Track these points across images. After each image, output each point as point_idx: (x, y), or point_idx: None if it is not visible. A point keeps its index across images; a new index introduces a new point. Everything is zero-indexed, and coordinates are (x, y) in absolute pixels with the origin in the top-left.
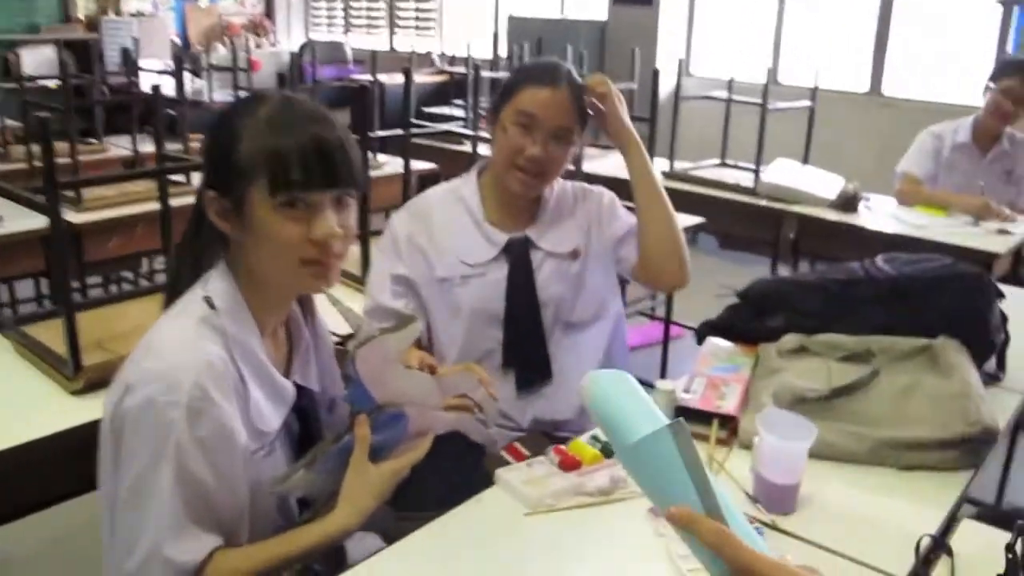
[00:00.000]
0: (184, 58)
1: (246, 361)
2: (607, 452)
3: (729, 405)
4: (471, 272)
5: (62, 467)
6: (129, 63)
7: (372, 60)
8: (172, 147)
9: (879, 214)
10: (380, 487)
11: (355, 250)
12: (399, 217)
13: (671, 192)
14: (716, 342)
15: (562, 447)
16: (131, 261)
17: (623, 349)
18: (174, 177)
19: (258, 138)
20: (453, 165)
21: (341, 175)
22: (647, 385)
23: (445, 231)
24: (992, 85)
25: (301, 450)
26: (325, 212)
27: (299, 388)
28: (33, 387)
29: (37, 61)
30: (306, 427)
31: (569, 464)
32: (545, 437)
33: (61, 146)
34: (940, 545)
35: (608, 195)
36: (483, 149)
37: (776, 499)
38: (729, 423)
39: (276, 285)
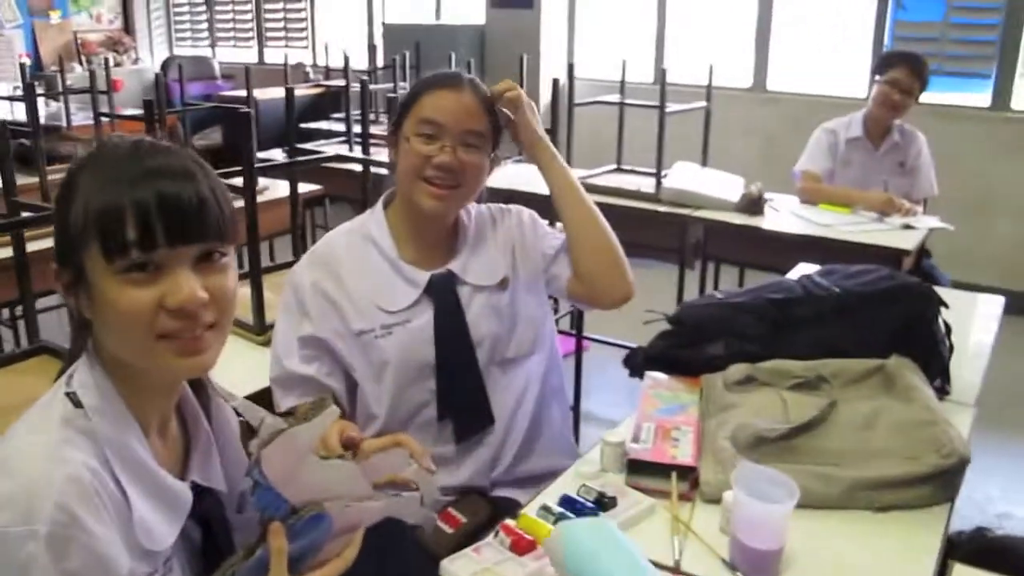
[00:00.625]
0: (39, 80)
1: (125, 467)
2: None
3: (685, 454)
4: (392, 320)
5: None
6: None
7: (246, 76)
8: (27, 180)
9: (784, 214)
10: None
11: (244, 292)
12: (300, 268)
13: None
14: (656, 377)
15: (511, 524)
16: None
17: (559, 373)
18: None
19: (91, 196)
20: (338, 185)
21: (199, 229)
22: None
23: (356, 277)
24: (879, 78)
25: (207, 564)
26: (180, 273)
27: (199, 490)
28: None
29: None
30: (210, 535)
31: (523, 546)
32: (480, 497)
33: None
34: None
35: (527, 212)
36: (378, 171)
37: (758, 566)
38: (688, 474)
39: (141, 371)
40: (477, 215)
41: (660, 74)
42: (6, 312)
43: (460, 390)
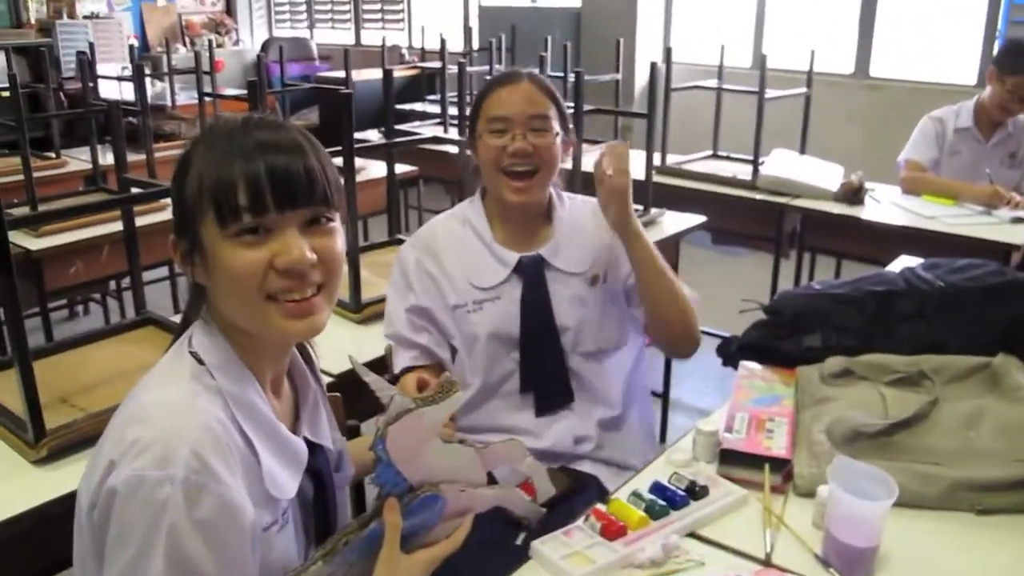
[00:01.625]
0: (146, 61)
1: (249, 420)
2: (654, 512)
3: (779, 446)
4: (483, 296)
5: (21, 553)
6: (85, 69)
7: (345, 57)
8: (135, 158)
9: (885, 205)
10: None
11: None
12: (405, 247)
13: (662, 188)
14: (751, 367)
15: (602, 509)
16: (99, 284)
17: (643, 373)
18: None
19: (205, 169)
20: (432, 167)
21: (306, 194)
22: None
23: (454, 256)
24: (1001, 75)
25: (317, 520)
26: (289, 235)
27: (309, 445)
28: None
29: None
30: (320, 492)
31: (613, 531)
32: (560, 470)
33: (14, 161)
34: None
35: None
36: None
37: (852, 564)
38: (782, 467)
39: (255, 334)
40: (574, 205)
41: (760, 59)
42: (113, 284)
43: (541, 364)
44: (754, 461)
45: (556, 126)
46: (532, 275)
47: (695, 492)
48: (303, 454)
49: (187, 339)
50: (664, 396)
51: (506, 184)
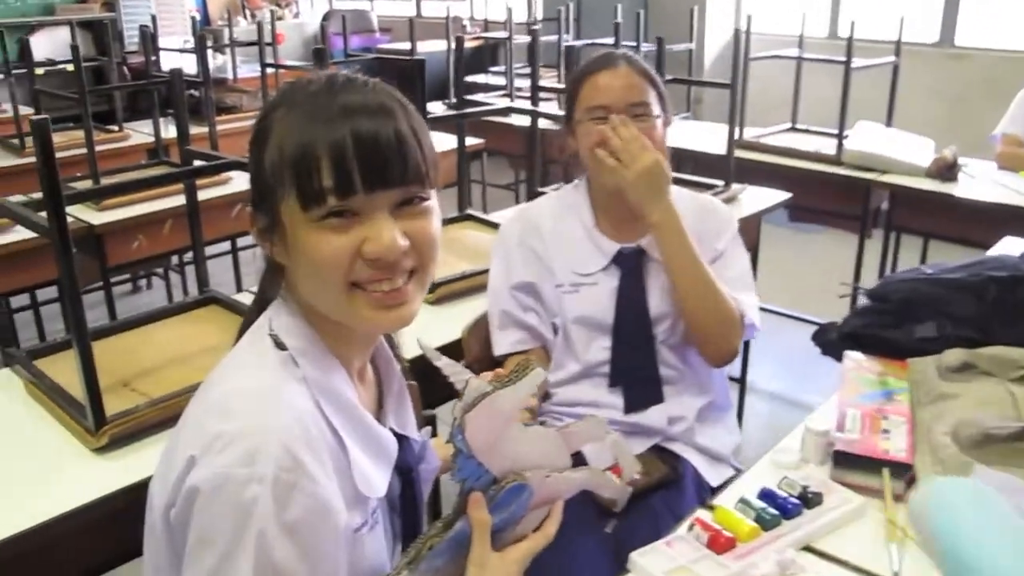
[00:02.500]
0: (207, 34)
1: (337, 411)
2: (765, 523)
3: (898, 449)
4: (581, 280)
5: (81, 545)
6: (147, 42)
7: (410, 28)
8: (197, 131)
9: (981, 182)
10: None
11: None
12: (508, 224)
13: (739, 163)
14: (857, 358)
15: (705, 519)
16: (161, 259)
17: (723, 377)
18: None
19: (285, 137)
20: (497, 140)
21: (398, 172)
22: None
23: (555, 237)
24: None
25: (404, 518)
26: (379, 220)
27: (396, 437)
28: (46, 443)
29: (55, 44)
30: (407, 487)
31: (722, 543)
32: (655, 456)
33: (77, 135)
34: None
35: (732, 229)
36: (544, 124)
37: None
38: (902, 472)
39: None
40: (680, 198)
41: (849, 27)
42: (175, 259)
43: (632, 358)
44: (871, 465)
45: (657, 109)
46: (630, 266)
47: (808, 500)
48: (393, 447)
49: (267, 320)
50: (741, 380)
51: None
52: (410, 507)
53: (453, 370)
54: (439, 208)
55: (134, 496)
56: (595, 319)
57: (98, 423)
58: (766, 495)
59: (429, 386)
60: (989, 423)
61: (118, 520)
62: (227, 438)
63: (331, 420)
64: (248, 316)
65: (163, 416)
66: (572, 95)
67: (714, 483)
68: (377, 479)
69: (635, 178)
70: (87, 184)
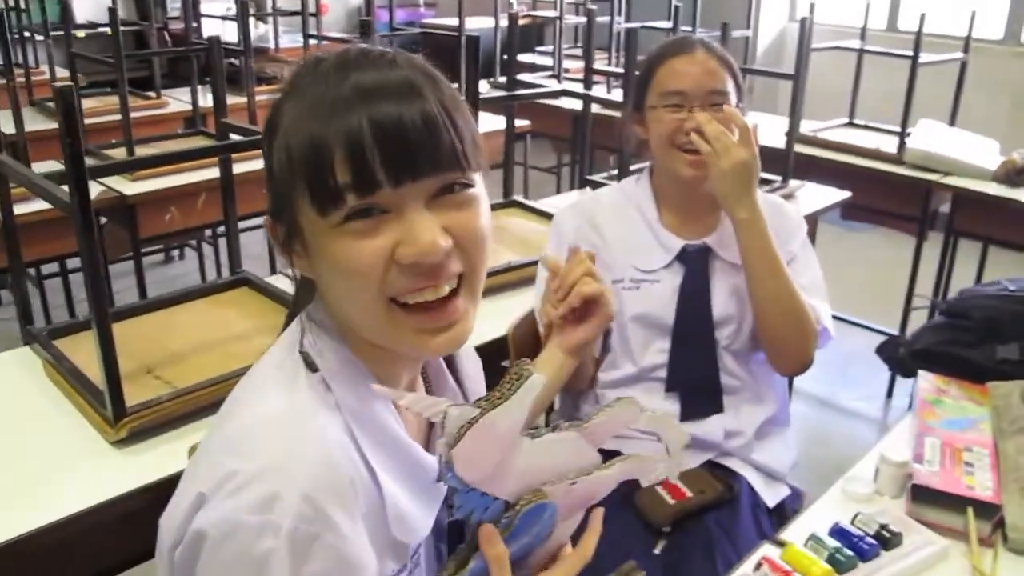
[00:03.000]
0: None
1: (374, 443)
2: (839, 565)
3: (984, 486)
4: (643, 277)
5: (92, 546)
6: (188, 7)
7: (460, 2)
8: (235, 101)
9: None
10: None
11: None
12: (564, 213)
13: (797, 158)
14: (932, 380)
15: (773, 557)
16: (194, 232)
17: (784, 389)
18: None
19: (292, 131)
20: (542, 122)
21: (429, 159)
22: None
23: (614, 230)
24: None
25: (453, 550)
26: (413, 216)
27: None
28: (63, 432)
29: (97, 5)
30: (459, 521)
31: None
32: (710, 472)
33: (113, 100)
34: None
35: (804, 230)
36: (594, 108)
37: None
38: (990, 512)
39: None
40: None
41: (915, 19)
42: (209, 231)
43: (692, 363)
44: (954, 502)
45: (734, 98)
46: (695, 265)
47: (886, 540)
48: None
49: (297, 334)
50: (788, 386)
51: (681, 158)
52: (459, 541)
53: (423, 404)
54: (486, 194)
55: (152, 496)
56: (655, 318)
57: (117, 415)
58: (840, 533)
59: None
60: None
61: (134, 520)
62: (242, 478)
63: (367, 455)
64: (282, 327)
65: (186, 409)
66: (645, 79)
67: (771, 503)
68: (418, 520)
69: (727, 170)
70: (121, 151)
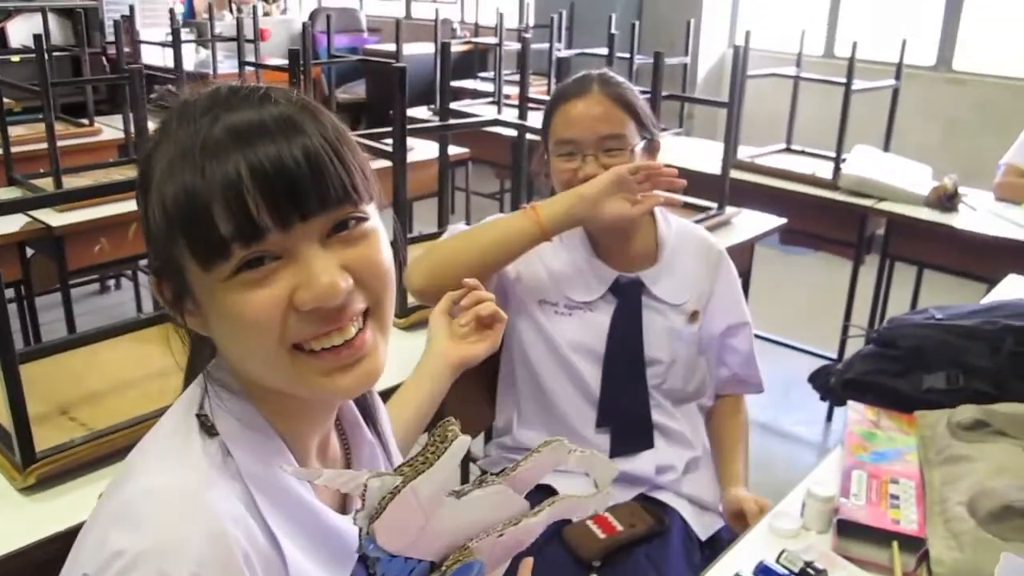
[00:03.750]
0: (190, 27)
1: (278, 510)
2: None
3: (909, 520)
4: (577, 306)
5: None
6: (119, 33)
7: (396, 29)
8: None
9: (983, 214)
10: None
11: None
12: None
13: (733, 184)
14: (861, 410)
15: None
16: (126, 263)
17: None
18: None
19: (165, 184)
20: (484, 149)
21: (317, 197)
22: None
23: (552, 259)
24: None
25: None
26: (308, 258)
27: None
28: None
29: (33, 30)
30: None
31: None
32: (639, 506)
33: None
34: None
35: (732, 275)
36: (533, 136)
37: None
38: (915, 546)
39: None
40: (681, 229)
41: (847, 46)
42: (144, 261)
43: (623, 398)
44: (879, 536)
45: (634, 139)
46: (627, 298)
47: None
48: (353, 543)
49: (196, 397)
50: None
51: None
52: None
53: (341, 481)
54: (383, 226)
55: (62, 545)
56: (589, 346)
57: (26, 460)
58: (764, 571)
59: None
60: (1009, 495)
61: (44, 572)
62: (127, 559)
63: (270, 524)
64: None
65: (100, 452)
66: (545, 122)
67: (703, 535)
68: None
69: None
70: (48, 181)
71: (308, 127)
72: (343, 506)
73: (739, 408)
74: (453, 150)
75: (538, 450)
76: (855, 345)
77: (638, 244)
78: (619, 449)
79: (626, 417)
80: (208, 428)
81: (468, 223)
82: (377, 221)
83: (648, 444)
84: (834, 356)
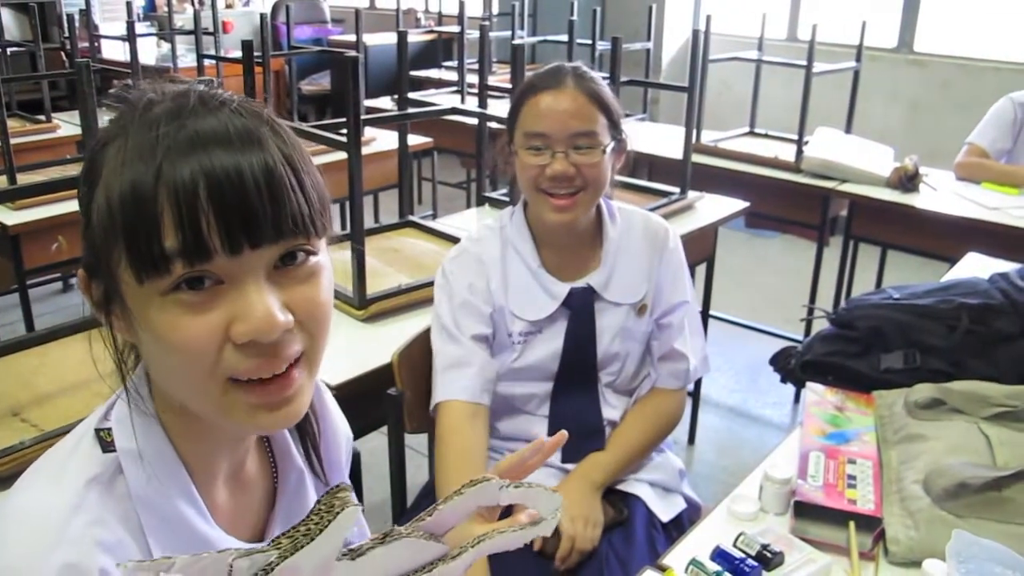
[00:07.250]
0: (151, 21)
1: (167, 539)
2: None
3: (866, 499)
4: (529, 329)
5: None
6: (72, 28)
7: (356, 19)
8: None
9: (944, 194)
10: None
11: (344, 256)
12: (453, 269)
13: (696, 168)
14: (820, 391)
15: None
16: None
17: None
18: None
19: (114, 180)
20: (448, 138)
21: (273, 224)
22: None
23: (501, 282)
24: None
25: None
26: (249, 289)
27: None
28: None
29: None
30: None
31: None
32: (605, 500)
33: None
34: None
35: (676, 255)
36: (495, 124)
37: None
38: (871, 525)
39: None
40: (624, 221)
41: (809, 29)
42: None
43: (574, 406)
44: (836, 517)
45: (605, 138)
46: (580, 308)
47: (768, 560)
48: None
49: (108, 405)
50: (695, 395)
51: (546, 203)
52: None
53: (197, 568)
54: (330, 263)
55: None
56: (543, 367)
57: None
58: (721, 555)
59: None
60: (963, 472)
61: None
62: None
63: (153, 547)
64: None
65: None
66: (512, 115)
67: (665, 518)
68: None
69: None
70: (2, 179)
71: (270, 143)
72: (263, 532)
73: (662, 406)
74: (416, 140)
75: (460, 492)
76: (820, 327)
77: (585, 249)
78: (571, 456)
79: (576, 426)
80: (106, 442)
81: (435, 213)
82: (326, 258)
83: (599, 446)
84: (801, 338)
